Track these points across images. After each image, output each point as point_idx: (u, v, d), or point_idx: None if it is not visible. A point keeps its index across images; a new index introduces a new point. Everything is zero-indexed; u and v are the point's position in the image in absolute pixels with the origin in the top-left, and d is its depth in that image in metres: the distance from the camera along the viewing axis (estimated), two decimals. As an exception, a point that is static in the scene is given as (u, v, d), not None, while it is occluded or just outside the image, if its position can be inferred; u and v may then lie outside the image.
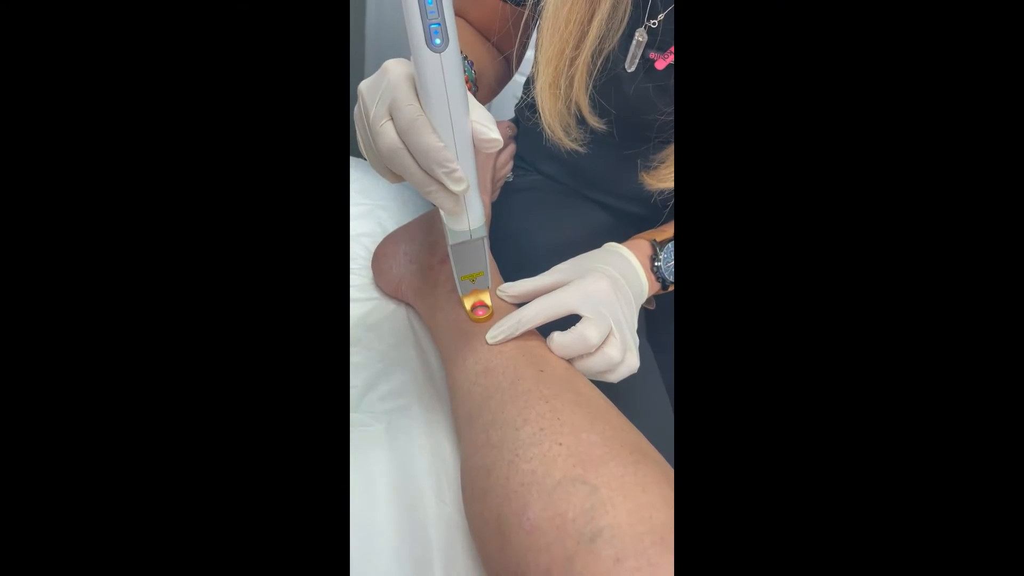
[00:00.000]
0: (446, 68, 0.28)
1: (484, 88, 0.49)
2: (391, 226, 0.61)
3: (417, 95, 0.29)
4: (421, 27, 0.27)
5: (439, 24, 0.27)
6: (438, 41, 0.27)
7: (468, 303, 0.41)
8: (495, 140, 0.30)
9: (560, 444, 0.30)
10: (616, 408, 0.36)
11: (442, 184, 0.31)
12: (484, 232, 0.35)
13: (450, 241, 0.36)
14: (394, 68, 0.30)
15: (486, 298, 0.41)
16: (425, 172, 0.30)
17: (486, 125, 0.30)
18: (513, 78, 0.57)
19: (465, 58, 0.41)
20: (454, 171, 0.30)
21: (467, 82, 0.40)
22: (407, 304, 0.52)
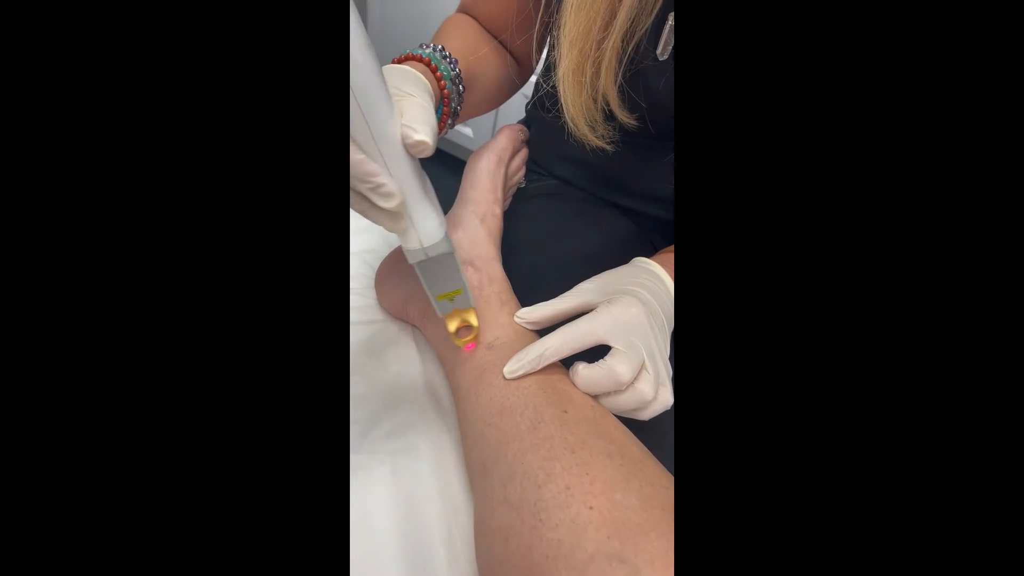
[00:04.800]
0: (350, 73, 0.24)
1: (482, 90, 0.45)
2: (398, 241, 0.56)
3: None
4: None
5: None
6: None
7: (452, 325, 0.37)
8: (421, 143, 0.26)
9: (591, 508, 0.26)
10: (651, 455, 0.31)
11: (372, 202, 0.27)
12: (446, 248, 0.31)
13: (409, 260, 0.32)
14: None
15: (471, 318, 0.37)
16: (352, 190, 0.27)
17: (412, 127, 0.26)
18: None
19: (446, 57, 0.37)
20: (380, 186, 0.26)
21: (441, 82, 0.36)
22: (414, 327, 0.48)
